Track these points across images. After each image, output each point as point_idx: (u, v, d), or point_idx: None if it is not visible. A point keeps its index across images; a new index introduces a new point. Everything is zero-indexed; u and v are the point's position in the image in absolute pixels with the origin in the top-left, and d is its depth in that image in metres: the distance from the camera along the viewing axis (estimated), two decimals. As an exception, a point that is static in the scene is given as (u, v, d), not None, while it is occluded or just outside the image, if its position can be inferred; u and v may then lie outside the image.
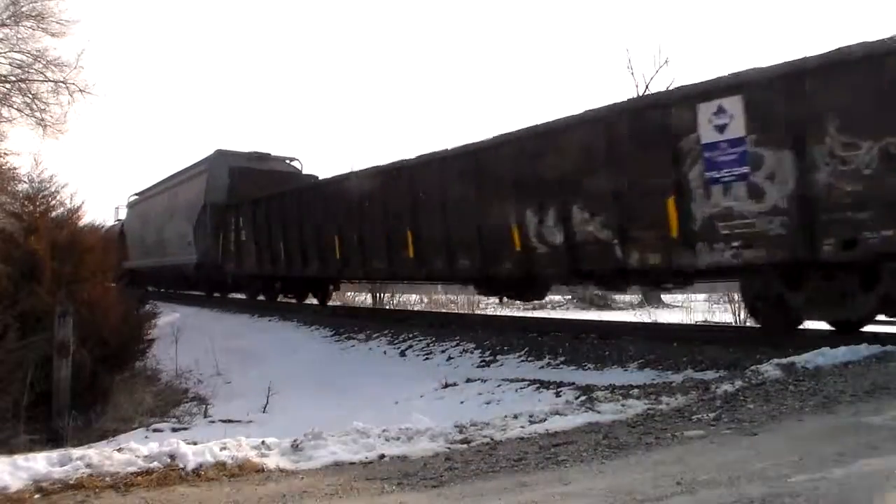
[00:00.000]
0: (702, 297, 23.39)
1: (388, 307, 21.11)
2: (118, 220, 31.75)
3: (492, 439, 4.16)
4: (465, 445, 4.07)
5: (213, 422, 7.31)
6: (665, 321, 12.82)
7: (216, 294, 22.43)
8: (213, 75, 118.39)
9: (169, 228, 22.50)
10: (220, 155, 20.30)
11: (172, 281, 24.78)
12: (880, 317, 7.09)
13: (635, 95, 15.89)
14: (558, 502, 2.89)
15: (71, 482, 3.35)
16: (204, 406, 8.05)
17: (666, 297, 25.67)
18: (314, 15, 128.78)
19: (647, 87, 23.77)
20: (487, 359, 8.97)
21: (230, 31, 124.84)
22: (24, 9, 18.04)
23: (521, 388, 7.21)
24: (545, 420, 4.59)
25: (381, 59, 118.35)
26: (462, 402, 7.11)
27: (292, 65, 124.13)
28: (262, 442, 4.03)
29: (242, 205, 17.91)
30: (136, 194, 28.66)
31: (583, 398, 5.70)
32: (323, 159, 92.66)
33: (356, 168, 14.09)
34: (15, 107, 18.39)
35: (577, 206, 8.59)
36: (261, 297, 18.74)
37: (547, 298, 26.73)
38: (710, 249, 7.25)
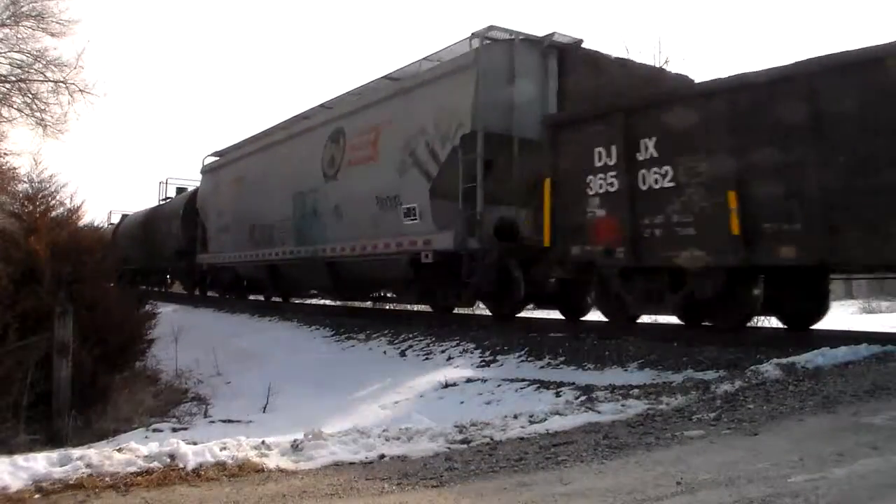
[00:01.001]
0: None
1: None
2: (166, 198, 24.74)
3: (492, 439, 4.17)
4: (465, 445, 4.07)
5: (213, 422, 7.29)
6: (665, 321, 12.79)
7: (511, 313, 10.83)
8: (214, 70, 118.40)
9: (326, 195, 13.29)
10: (496, 39, 10.25)
11: (329, 287, 14.65)
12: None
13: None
14: (558, 502, 2.89)
15: (71, 482, 3.35)
16: (204, 406, 8.03)
17: (666, 297, 25.57)
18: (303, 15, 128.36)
19: (647, 86, 23.79)
20: (487, 359, 8.94)
21: (228, 30, 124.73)
22: (24, 9, 18.10)
23: (521, 388, 7.20)
24: (545, 420, 4.60)
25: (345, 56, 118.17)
26: (462, 402, 7.09)
27: (291, 63, 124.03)
28: (262, 442, 4.04)
29: (661, 107, 8.00)
30: (217, 154, 19.45)
31: (583, 398, 5.70)
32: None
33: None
34: (15, 107, 18.45)
35: None
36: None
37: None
38: None
